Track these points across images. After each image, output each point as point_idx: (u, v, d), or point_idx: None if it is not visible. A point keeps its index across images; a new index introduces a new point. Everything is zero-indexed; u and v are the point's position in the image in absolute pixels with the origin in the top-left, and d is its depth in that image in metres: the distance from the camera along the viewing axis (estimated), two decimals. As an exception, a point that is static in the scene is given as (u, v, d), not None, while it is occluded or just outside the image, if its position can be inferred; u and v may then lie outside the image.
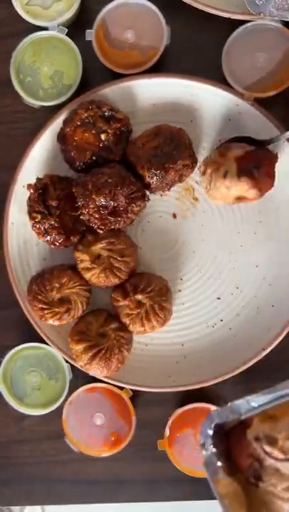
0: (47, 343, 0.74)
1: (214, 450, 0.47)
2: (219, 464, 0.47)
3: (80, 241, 0.72)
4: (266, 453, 0.44)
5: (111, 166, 0.69)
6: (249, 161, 0.66)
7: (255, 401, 0.46)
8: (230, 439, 0.47)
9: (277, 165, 0.68)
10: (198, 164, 0.71)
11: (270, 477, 0.44)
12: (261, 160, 0.66)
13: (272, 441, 0.44)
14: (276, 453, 0.44)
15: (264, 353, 0.71)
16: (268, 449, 0.44)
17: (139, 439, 0.76)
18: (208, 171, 0.68)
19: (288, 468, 0.44)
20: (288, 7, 0.68)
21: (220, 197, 0.68)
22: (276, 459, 0.44)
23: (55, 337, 0.74)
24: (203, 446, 0.47)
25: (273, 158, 0.67)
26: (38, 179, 0.70)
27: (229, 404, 0.48)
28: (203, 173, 0.69)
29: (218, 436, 0.47)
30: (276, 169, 0.68)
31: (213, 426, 0.47)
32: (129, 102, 0.73)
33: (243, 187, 0.65)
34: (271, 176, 0.67)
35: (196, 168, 0.71)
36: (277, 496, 0.44)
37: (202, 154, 0.73)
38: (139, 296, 0.70)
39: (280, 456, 0.43)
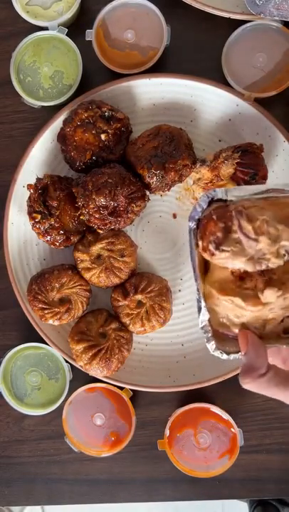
0: (47, 343, 0.74)
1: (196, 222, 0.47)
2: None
3: (80, 241, 0.72)
4: (240, 226, 0.43)
5: (111, 166, 0.69)
6: (243, 173, 0.67)
7: (255, 188, 0.46)
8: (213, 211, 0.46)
9: (277, 163, 0.68)
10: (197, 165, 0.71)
11: (229, 248, 0.44)
12: (252, 166, 0.67)
13: (251, 219, 0.43)
14: (249, 228, 0.43)
15: (264, 353, 0.71)
16: (243, 223, 0.43)
17: (139, 439, 0.76)
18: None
19: (250, 247, 0.43)
20: (288, 7, 0.68)
21: None
22: (246, 235, 0.43)
23: (55, 337, 0.74)
24: (192, 218, 0.47)
25: (259, 153, 0.68)
26: (38, 179, 0.70)
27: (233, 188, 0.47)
28: (203, 188, 0.70)
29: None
30: (275, 168, 0.68)
31: (208, 199, 0.46)
32: (129, 102, 0.73)
33: None
34: (265, 174, 0.68)
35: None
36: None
37: (202, 154, 0.73)
38: (139, 296, 0.70)
39: (251, 233, 0.43)
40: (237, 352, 0.47)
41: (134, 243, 0.73)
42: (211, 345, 0.47)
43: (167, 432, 0.73)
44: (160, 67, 0.73)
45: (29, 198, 0.70)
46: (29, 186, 0.70)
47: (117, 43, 0.73)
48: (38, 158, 0.73)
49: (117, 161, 0.70)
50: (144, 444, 0.77)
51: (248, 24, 0.71)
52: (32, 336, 0.75)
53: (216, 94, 0.71)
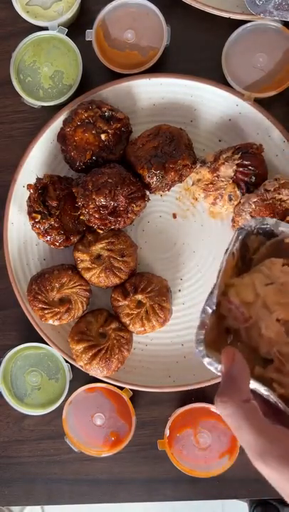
0: (47, 343, 0.74)
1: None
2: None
3: (80, 241, 0.72)
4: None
5: (111, 166, 0.69)
6: (244, 174, 0.67)
7: None
8: None
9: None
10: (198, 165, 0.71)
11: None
12: (252, 166, 0.67)
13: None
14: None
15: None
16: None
17: (139, 439, 0.76)
18: (209, 193, 0.70)
19: None
20: (288, 7, 0.68)
21: (224, 214, 0.73)
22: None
23: (55, 337, 0.74)
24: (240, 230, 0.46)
25: (259, 153, 0.68)
26: (38, 179, 0.70)
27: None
28: (205, 191, 0.70)
29: None
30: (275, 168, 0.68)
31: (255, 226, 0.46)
32: (129, 102, 0.73)
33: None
34: (265, 175, 0.68)
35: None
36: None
37: (202, 154, 0.73)
38: (139, 296, 0.70)
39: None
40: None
41: (134, 243, 0.73)
42: (200, 348, 0.42)
43: (167, 432, 0.73)
44: (160, 67, 0.73)
45: (29, 198, 0.70)
46: (29, 186, 0.70)
47: (117, 43, 0.73)
48: (38, 158, 0.73)
49: (117, 161, 0.70)
50: (144, 444, 0.77)
51: (248, 24, 0.71)
52: (32, 335, 0.75)
53: (216, 94, 0.71)
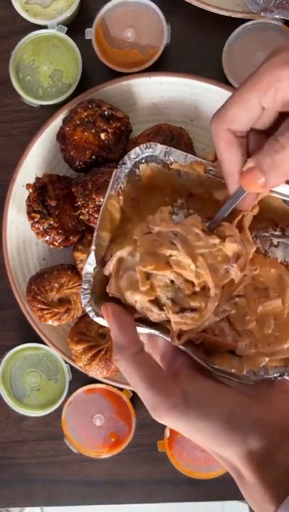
0: (46, 344, 0.73)
1: None
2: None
3: (79, 241, 0.72)
4: None
5: (111, 166, 0.68)
6: None
7: None
8: None
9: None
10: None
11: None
12: None
13: None
14: None
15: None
16: None
17: (139, 440, 0.76)
18: None
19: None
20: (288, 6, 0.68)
21: None
22: None
23: (54, 337, 0.73)
24: (122, 161, 0.45)
25: None
26: (38, 179, 0.70)
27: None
28: None
29: None
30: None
31: (145, 153, 0.45)
32: (129, 101, 0.73)
33: None
34: None
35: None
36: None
37: (202, 153, 0.72)
38: (139, 297, 0.70)
39: None
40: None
41: (134, 243, 0.73)
42: (87, 299, 0.42)
43: (167, 433, 0.73)
44: (160, 66, 0.73)
45: (28, 197, 0.69)
46: (28, 186, 0.69)
47: (116, 41, 0.73)
48: (37, 157, 0.73)
49: (117, 161, 0.70)
50: (144, 445, 0.77)
51: (249, 23, 0.70)
52: (31, 336, 0.74)
53: (217, 93, 0.71)
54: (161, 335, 0.41)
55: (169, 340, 0.41)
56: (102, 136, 0.69)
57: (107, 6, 0.72)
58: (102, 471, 0.78)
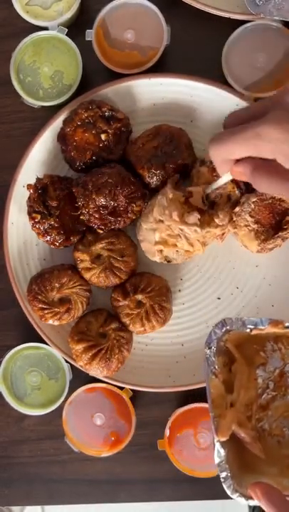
0: (47, 343, 0.74)
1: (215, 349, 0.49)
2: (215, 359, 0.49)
3: (80, 241, 0.72)
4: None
5: (111, 166, 0.69)
6: None
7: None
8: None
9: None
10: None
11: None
12: None
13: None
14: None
15: (264, 353, 0.71)
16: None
17: (139, 439, 0.76)
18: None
19: None
20: (288, 7, 0.68)
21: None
22: None
23: (55, 337, 0.74)
24: (208, 345, 0.49)
25: None
26: (38, 179, 0.70)
27: (243, 317, 0.50)
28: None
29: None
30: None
31: (223, 330, 0.49)
32: (129, 102, 0.73)
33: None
34: None
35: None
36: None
37: (202, 154, 0.73)
38: (139, 296, 0.70)
39: None
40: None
41: (134, 243, 0.73)
42: (229, 486, 0.44)
43: (167, 432, 0.73)
44: (160, 67, 0.73)
45: (29, 198, 0.70)
46: (29, 186, 0.70)
47: (117, 42, 0.73)
48: (38, 158, 0.73)
49: (117, 161, 0.70)
50: (144, 444, 0.77)
51: (248, 24, 0.71)
52: (32, 336, 0.75)
53: (216, 94, 0.71)
54: None
55: None
56: (103, 136, 0.69)
57: (108, 7, 0.72)
58: (102, 470, 0.78)
